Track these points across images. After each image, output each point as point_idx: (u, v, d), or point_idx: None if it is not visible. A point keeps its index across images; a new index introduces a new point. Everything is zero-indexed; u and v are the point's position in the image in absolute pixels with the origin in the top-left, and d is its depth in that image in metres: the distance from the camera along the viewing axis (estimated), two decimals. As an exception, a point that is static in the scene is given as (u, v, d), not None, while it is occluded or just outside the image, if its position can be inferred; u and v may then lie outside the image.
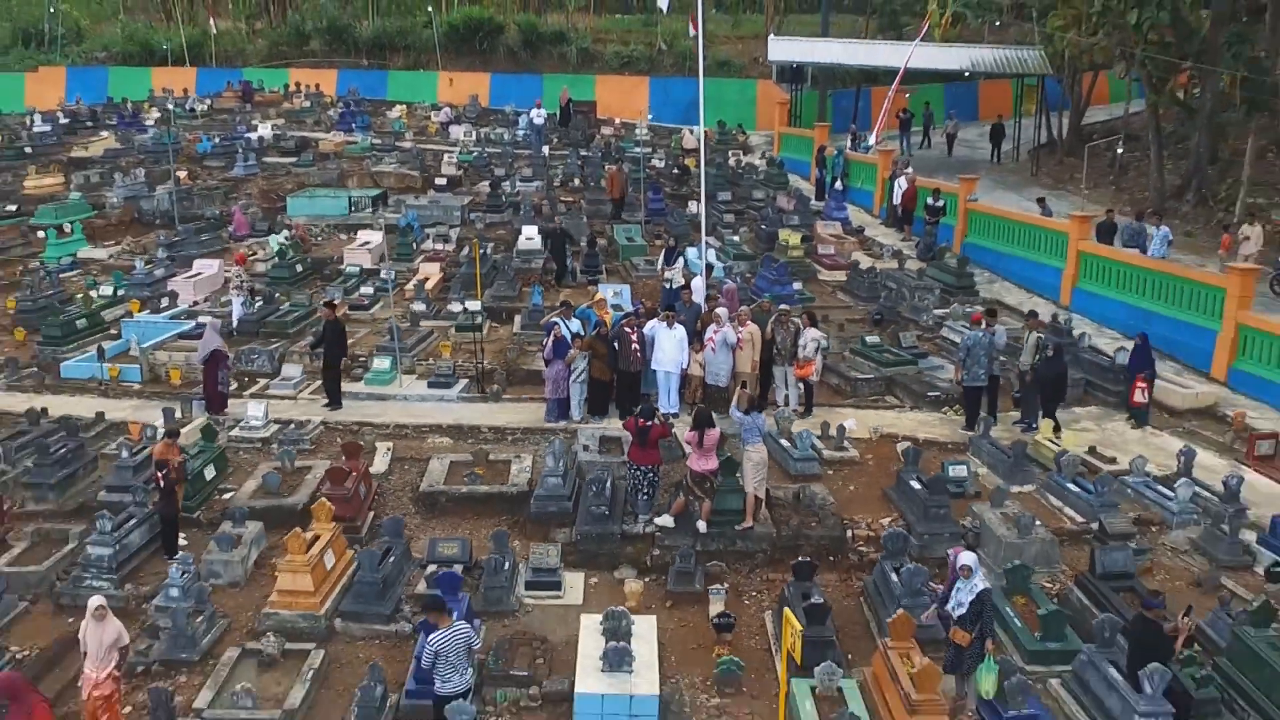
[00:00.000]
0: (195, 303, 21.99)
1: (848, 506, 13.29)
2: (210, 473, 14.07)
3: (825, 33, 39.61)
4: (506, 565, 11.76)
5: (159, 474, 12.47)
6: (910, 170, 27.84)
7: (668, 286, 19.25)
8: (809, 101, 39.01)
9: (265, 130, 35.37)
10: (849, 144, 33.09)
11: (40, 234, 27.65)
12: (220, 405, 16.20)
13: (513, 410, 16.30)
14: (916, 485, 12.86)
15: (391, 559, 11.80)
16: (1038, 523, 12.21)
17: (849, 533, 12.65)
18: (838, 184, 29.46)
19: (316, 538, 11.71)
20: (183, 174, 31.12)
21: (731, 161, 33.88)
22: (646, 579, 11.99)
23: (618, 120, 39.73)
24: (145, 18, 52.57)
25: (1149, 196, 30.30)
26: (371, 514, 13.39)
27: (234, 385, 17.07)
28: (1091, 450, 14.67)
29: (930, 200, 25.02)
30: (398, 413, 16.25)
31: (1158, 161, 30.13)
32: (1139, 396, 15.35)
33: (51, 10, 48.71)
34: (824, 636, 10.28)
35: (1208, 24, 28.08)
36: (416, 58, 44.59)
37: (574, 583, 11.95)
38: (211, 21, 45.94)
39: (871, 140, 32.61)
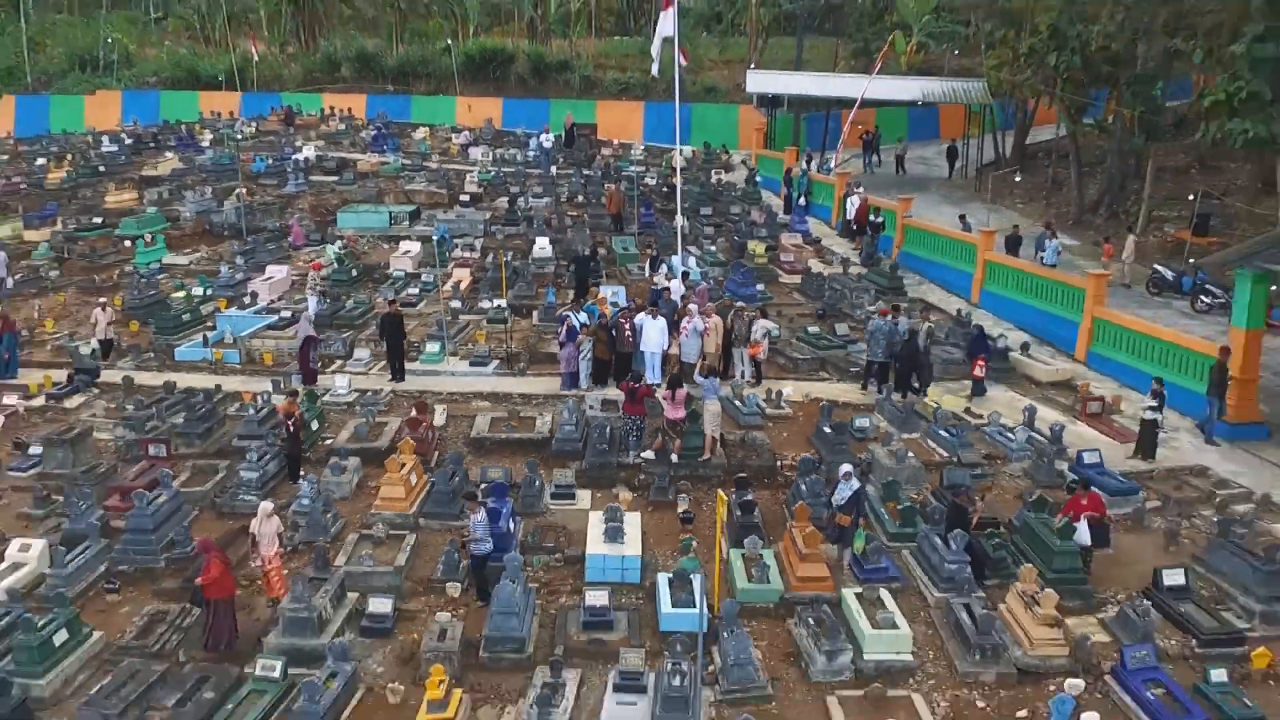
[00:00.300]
0: (271, 301, 26.94)
1: (780, 447, 18.25)
2: (315, 425, 19.05)
3: (799, 64, 44.56)
4: (537, 484, 16.71)
5: (287, 422, 17.45)
6: (861, 189, 32.77)
7: (655, 287, 24.20)
8: (784, 125, 44.01)
9: (309, 152, 40.40)
10: (808, 164, 38.04)
11: (127, 243, 32.64)
12: (312, 379, 21.12)
13: (535, 382, 21.23)
14: (827, 430, 17.84)
15: (455, 479, 16.75)
16: (910, 455, 17.17)
17: (779, 463, 17.61)
18: (801, 200, 34.47)
19: (404, 464, 16.69)
20: (242, 190, 36.14)
21: (714, 179, 38.92)
22: (635, 493, 16.88)
23: (616, 141, 44.69)
24: (189, 43, 57.47)
25: (1071, 210, 35.40)
26: (437, 453, 18.35)
27: (319, 364, 22.03)
28: (966, 410, 19.65)
29: (872, 216, 30.03)
30: (448, 385, 21.20)
31: (1077, 180, 35.17)
32: (978, 371, 20.31)
33: (108, 40, 53.72)
34: (752, 522, 15.22)
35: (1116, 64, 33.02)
36: (437, 84, 49.60)
37: (584, 496, 16.85)
38: (253, 49, 50.84)
39: (833, 163, 37.56)
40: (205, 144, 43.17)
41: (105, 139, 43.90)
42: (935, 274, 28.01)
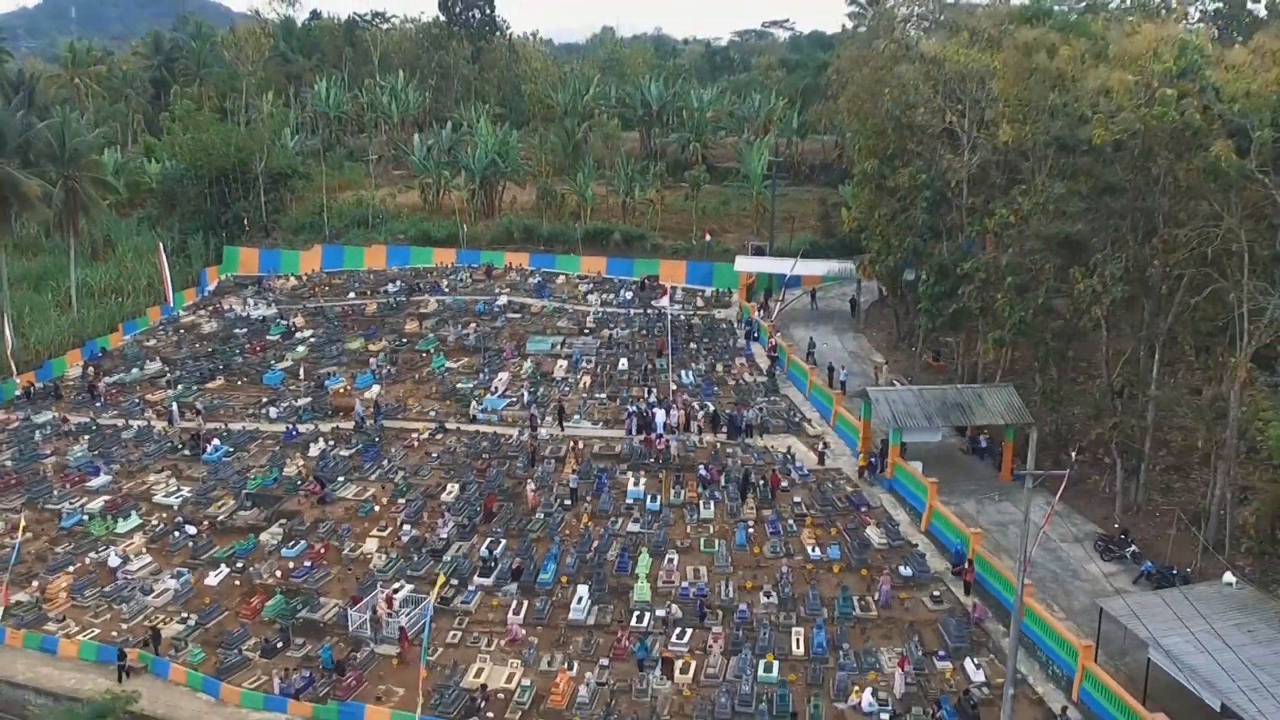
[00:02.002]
0: (504, 392, 60.75)
1: (698, 456, 51.38)
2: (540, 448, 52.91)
3: (771, 250, 77.52)
4: (614, 475, 50.29)
5: (531, 447, 51.30)
6: (779, 334, 65.40)
7: (673, 388, 57.46)
8: (761, 279, 76.72)
9: (504, 299, 74.72)
10: (760, 312, 70.83)
11: (424, 354, 67.15)
12: (535, 430, 54.85)
13: (618, 432, 54.67)
14: (714, 452, 51.00)
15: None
16: (741, 460, 50.08)
17: (698, 465, 50.61)
18: (752, 334, 67.40)
19: (572, 459, 50.41)
20: (474, 325, 70.47)
21: (716, 315, 71.98)
22: (647, 473, 50.10)
23: (669, 285, 77.89)
24: (422, 213, 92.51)
25: (892, 339, 67.44)
26: (580, 458, 51.87)
27: (537, 422, 55.77)
28: (769, 445, 52.44)
29: (769, 349, 62.83)
30: (582, 432, 54.70)
31: (895, 320, 67.30)
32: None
33: (375, 217, 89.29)
34: (680, 481, 48.44)
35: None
36: (569, 247, 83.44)
37: (633, 475, 50.15)
38: (462, 225, 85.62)
39: (775, 311, 70.26)
40: (445, 288, 77.94)
41: (390, 285, 79.00)
42: (798, 383, 60.58)
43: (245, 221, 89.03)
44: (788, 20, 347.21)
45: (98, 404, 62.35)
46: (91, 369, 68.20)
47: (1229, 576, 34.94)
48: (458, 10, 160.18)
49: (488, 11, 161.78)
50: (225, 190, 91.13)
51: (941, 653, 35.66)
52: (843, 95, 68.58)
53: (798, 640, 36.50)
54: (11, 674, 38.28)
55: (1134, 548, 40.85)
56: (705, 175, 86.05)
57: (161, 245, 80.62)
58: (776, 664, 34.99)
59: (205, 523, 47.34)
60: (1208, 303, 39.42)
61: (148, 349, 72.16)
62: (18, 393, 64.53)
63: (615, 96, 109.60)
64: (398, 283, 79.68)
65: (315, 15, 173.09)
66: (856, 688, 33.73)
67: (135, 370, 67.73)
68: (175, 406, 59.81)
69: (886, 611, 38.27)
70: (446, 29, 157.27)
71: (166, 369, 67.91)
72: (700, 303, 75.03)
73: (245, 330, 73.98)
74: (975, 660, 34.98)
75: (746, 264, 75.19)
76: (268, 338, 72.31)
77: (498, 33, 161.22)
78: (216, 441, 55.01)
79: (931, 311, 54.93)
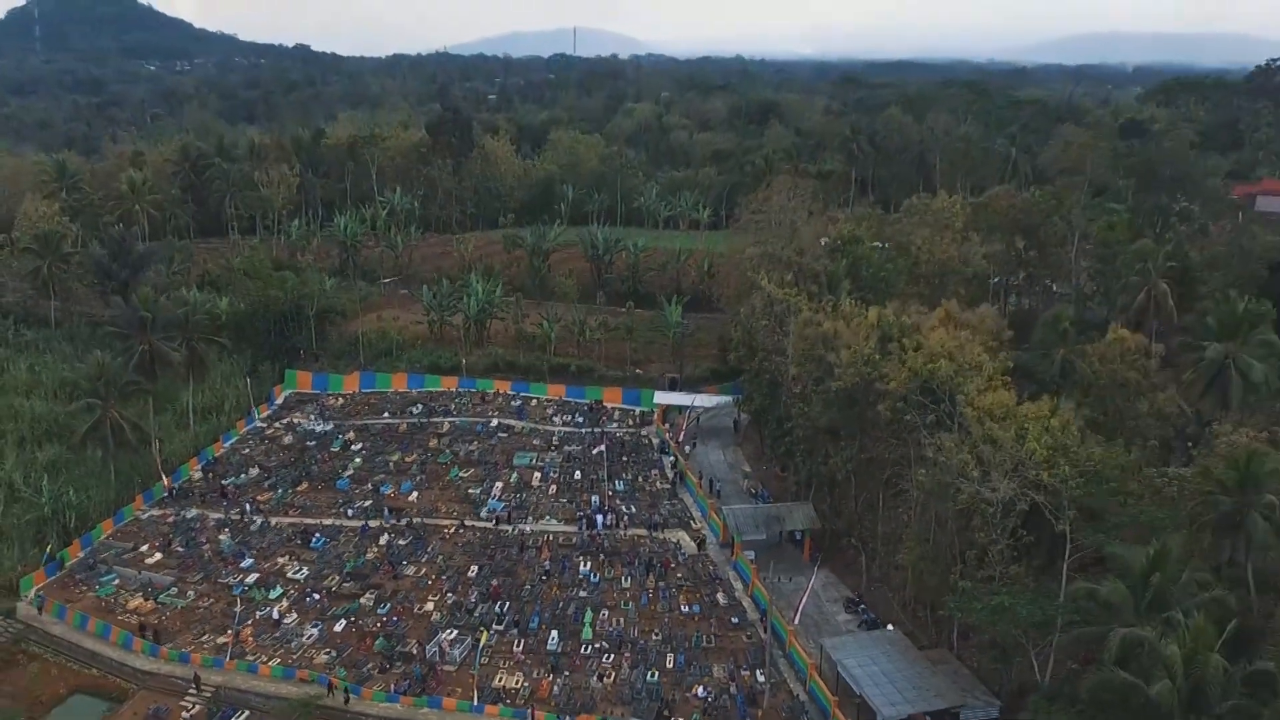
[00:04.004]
0: (500, 496, 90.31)
1: (623, 545, 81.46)
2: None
3: (681, 381, 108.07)
4: (572, 559, 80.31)
5: (521, 537, 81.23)
6: (680, 450, 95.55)
7: (609, 494, 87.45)
8: (672, 408, 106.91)
9: (495, 421, 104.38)
10: (670, 432, 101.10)
11: (444, 465, 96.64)
12: (520, 527, 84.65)
13: (573, 527, 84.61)
14: (634, 540, 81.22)
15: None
16: (647, 548, 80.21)
17: (621, 552, 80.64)
18: (664, 449, 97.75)
19: (546, 553, 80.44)
20: (476, 443, 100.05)
21: (643, 433, 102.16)
22: (591, 558, 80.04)
23: (610, 407, 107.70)
24: (429, 342, 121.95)
25: (758, 451, 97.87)
26: (549, 549, 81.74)
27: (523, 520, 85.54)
28: (667, 537, 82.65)
29: (673, 463, 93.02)
30: (551, 528, 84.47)
31: (761, 440, 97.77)
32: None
33: (396, 347, 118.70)
34: (611, 563, 78.53)
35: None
36: (538, 376, 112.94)
37: (583, 559, 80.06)
38: (461, 357, 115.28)
39: (681, 433, 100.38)
40: (453, 410, 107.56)
41: (414, 407, 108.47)
42: (690, 490, 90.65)
43: (302, 352, 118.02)
44: (729, 84, 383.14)
45: (224, 502, 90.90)
46: (213, 474, 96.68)
47: (890, 627, 65.79)
48: (441, 134, 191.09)
49: (467, 136, 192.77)
50: (285, 326, 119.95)
51: (745, 666, 65.87)
52: (723, 294, 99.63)
53: (669, 660, 66.44)
54: (236, 685, 67.12)
55: (863, 606, 71.49)
56: (634, 320, 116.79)
57: (246, 373, 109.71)
58: (657, 673, 64.98)
59: (324, 592, 76.30)
60: (898, 477, 70.36)
61: (245, 457, 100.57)
62: (164, 494, 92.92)
63: (572, 216, 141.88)
64: (419, 405, 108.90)
65: (321, 133, 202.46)
66: (696, 685, 63.81)
67: (243, 475, 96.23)
68: (249, 507, 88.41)
69: (720, 644, 68.42)
70: (433, 146, 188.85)
71: (265, 475, 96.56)
72: (631, 422, 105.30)
73: (314, 443, 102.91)
74: (760, 671, 65.32)
75: (662, 397, 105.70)
76: (331, 449, 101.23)
77: (474, 149, 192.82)
78: (318, 534, 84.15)
79: (773, 446, 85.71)
